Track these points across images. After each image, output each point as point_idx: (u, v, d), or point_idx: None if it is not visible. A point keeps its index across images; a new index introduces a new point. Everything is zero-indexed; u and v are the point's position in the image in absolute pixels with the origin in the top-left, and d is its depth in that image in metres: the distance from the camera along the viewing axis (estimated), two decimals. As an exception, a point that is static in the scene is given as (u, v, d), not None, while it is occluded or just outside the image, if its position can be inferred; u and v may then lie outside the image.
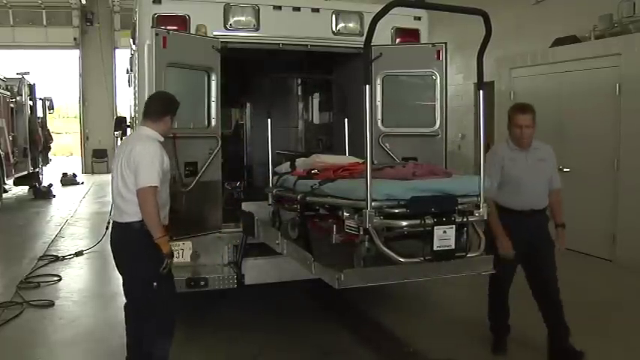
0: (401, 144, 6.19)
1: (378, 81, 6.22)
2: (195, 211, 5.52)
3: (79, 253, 9.16)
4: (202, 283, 5.40)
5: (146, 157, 4.08)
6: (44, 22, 24.51)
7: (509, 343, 5.36)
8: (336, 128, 7.56)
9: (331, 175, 4.49)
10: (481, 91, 4.09)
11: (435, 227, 3.64)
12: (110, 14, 24.85)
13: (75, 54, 25.18)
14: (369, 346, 5.49)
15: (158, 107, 4.40)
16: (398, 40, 6.32)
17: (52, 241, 10.50)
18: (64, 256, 9.07)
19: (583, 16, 9.55)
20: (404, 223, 3.68)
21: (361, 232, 3.79)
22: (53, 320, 6.30)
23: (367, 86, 3.49)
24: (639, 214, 7.99)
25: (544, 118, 9.69)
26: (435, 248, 3.67)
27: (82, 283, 7.82)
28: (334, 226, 4.32)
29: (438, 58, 6.18)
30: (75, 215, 13.52)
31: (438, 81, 6.23)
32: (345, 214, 3.95)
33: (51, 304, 6.71)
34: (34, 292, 7.16)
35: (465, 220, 3.80)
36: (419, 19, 6.37)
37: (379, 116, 6.27)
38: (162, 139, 4.37)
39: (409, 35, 6.35)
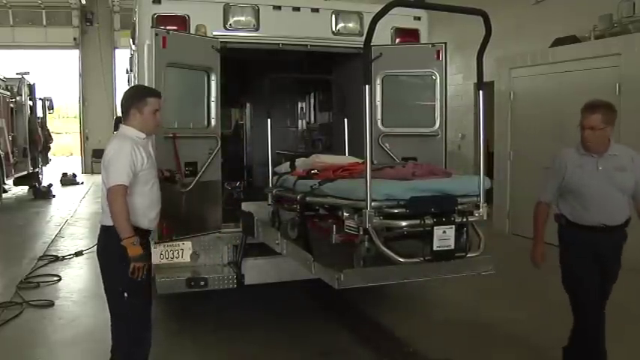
0: (401, 144, 6.19)
1: (378, 81, 6.22)
2: (195, 211, 5.52)
3: (78, 253, 9.15)
4: (202, 283, 5.40)
5: (114, 156, 3.97)
6: (44, 22, 24.54)
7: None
8: (336, 128, 7.56)
9: (331, 175, 4.48)
10: (481, 92, 4.08)
11: (435, 227, 3.63)
12: (110, 14, 24.87)
13: (75, 54, 25.21)
14: (369, 346, 5.49)
15: (123, 104, 4.25)
16: (398, 40, 6.32)
17: (52, 241, 10.50)
18: (63, 256, 9.08)
19: (583, 16, 9.57)
20: (404, 224, 3.67)
21: (361, 232, 3.78)
22: (53, 320, 6.30)
23: (367, 86, 3.49)
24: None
25: (544, 118, 9.77)
26: (434, 248, 3.66)
27: (82, 283, 7.81)
28: (334, 226, 4.31)
29: (438, 58, 6.17)
30: (75, 215, 13.52)
31: (438, 81, 6.23)
32: (344, 214, 3.94)
33: (51, 304, 6.71)
34: (33, 292, 7.16)
35: (464, 220, 3.79)
36: (419, 19, 6.37)
37: (379, 116, 6.27)
38: (142, 135, 4.15)
39: (409, 35, 6.35)
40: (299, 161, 5.28)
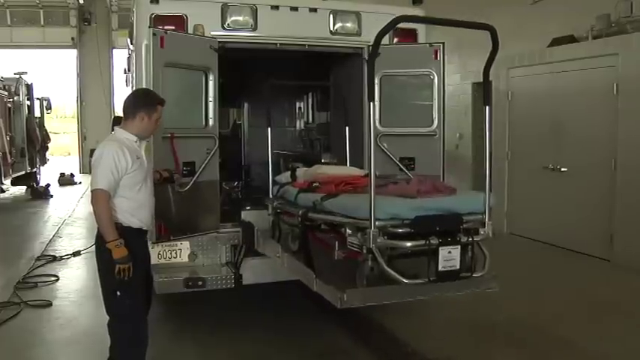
0: (399, 144, 6.17)
1: (376, 81, 6.20)
2: (193, 211, 5.52)
3: (76, 253, 9.15)
4: (200, 283, 5.40)
5: (97, 160, 4.04)
6: (42, 22, 24.49)
7: None
8: (334, 128, 7.55)
9: (333, 189, 4.42)
10: (487, 107, 4.04)
11: (440, 247, 3.60)
12: (108, 14, 24.83)
13: (72, 54, 25.16)
14: (368, 347, 5.49)
15: (128, 105, 4.29)
16: (396, 40, 6.31)
17: (50, 241, 10.50)
18: (61, 256, 9.07)
19: (581, 15, 9.56)
20: (408, 244, 3.63)
21: (364, 251, 3.74)
22: (51, 320, 6.29)
23: (371, 103, 3.45)
24: (637, 213, 8.00)
25: (542, 118, 9.79)
26: (439, 269, 3.62)
27: (80, 283, 7.81)
28: (336, 242, 4.24)
29: (436, 57, 6.17)
30: (72, 215, 13.50)
31: (436, 81, 6.22)
32: (347, 230, 3.91)
33: (48, 304, 6.71)
34: (31, 292, 7.15)
35: (470, 239, 3.76)
36: (417, 19, 6.37)
37: (377, 116, 6.25)
38: (134, 138, 4.21)
39: (407, 35, 6.34)
40: (300, 171, 5.27)
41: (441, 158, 6.27)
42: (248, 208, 6.25)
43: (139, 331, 4.28)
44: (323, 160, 7.29)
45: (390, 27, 3.40)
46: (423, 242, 3.59)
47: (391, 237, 3.61)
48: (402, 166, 6.12)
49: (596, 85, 8.74)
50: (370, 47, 6.04)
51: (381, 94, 6.26)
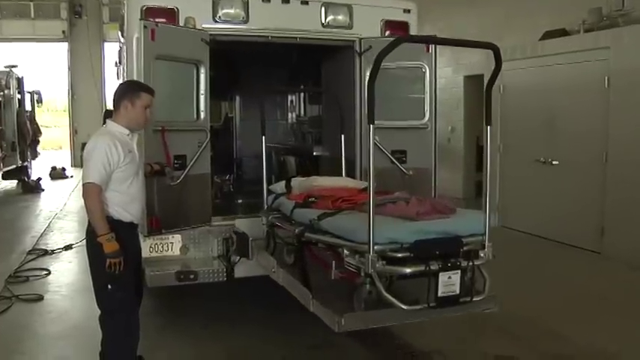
0: (390, 137, 6.15)
1: (367, 74, 6.19)
2: (185, 205, 5.51)
3: (68, 247, 9.12)
4: (192, 276, 5.39)
5: (89, 154, 4.03)
6: (32, 15, 24.30)
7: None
8: (326, 122, 7.54)
9: (330, 205, 4.36)
10: (488, 127, 3.97)
11: (440, 273, 3.56)
12: (99, 7, 24.67)
13: (63, 47, 24.98)
14: (360, 340, 5.48)
15: (115, 98, 4.27)
16: (387, 33, 6.29)
17: (41, 235, 10.47)
18: (53, 250, 9.05)
19: (572, 9, 9.59)
20: (408, 270, 3.58)
21: (362, 275, 3.69)
22: (42, 314, 6.28)
23: (371, 125, 3.42)
24: (628, 207, 8.05)
25: (533, 111, 9.81)
26: (439, 294, 3.58)
27: (71, 277, 7.79)
28: (333, 261, 4.14)
29: (428, 50, 6.16)
30: (64, 209, 13.44)
31: (428, 73, 6.22)
32: (345, 251, 3.85)
33: (40, 298, 6.69)
34: (23, 286, 7.14)
35: (470, 264, 3.73)
36: (408, 11, 6.36)
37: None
38: (126, 131, 4.20)
39: (399, 28, 6.32)
40: (295, 182, 5.23)
41: (432, 151, 6.28)
42: (240, 201, 6.23)
43: (131, 325, 4.28)
44: (315, 153, 7.29)
45: (392, 47, 3.37)
46: (422, 267, 3.55)
47: (390, 262, 3.57)
48: (393, 159, 6.12)
49: (587, 78, 8.77)
50: (362, 40, 6.15)
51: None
